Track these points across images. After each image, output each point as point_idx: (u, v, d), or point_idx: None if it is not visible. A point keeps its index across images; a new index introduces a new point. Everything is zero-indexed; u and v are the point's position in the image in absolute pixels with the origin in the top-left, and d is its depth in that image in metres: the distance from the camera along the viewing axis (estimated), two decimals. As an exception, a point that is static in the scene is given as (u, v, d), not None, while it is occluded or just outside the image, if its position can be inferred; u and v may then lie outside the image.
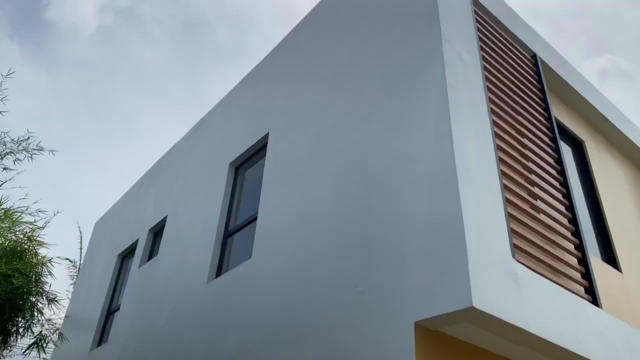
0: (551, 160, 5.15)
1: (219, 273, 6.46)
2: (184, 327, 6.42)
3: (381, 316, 3.89)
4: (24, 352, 5.87)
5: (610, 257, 5.52)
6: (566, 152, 6.09)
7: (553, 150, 5.29)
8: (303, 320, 4.60)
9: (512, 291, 3.63)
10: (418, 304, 3.64)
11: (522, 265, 3.87)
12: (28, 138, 6.92)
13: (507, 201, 4.20)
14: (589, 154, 6.30)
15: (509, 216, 4.12)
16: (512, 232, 4.06)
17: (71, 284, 13.65)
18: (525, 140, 4.94)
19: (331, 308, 4.37)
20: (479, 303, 3.31)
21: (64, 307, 11.34)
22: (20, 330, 5.81)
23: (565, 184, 5.10)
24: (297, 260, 5.03)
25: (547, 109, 5.57)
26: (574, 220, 4.87)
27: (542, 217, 4.53)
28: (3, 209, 5.76)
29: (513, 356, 4.13)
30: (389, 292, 3.91)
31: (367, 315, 4.00)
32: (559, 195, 4.94)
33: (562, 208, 4.88)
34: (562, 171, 5.17)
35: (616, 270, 5.36)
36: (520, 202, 4.36)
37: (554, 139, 5.37)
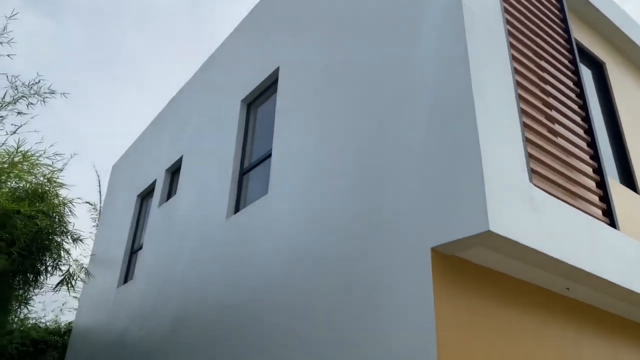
0: (570, 83, 5.01)
1: (237, 209, 6.55)
2: (205, 263, 6.60)
3: (397, 244, 3.94)
4: (54, 288, 6.12)
5: (629, 180, 5.46)
6: (586, 74, 5.91)
7: (572, 72, 5.13)
8: (320, 252, 4.68)
9: (528, 215, 3.63)
10: (434, 229, 3.67)
11: (539, 189, 3.85)
12: (39, 81, 6.89)
13: (525, 125, 4.13)
14: (609, 75, 6.10)
15: (527, 140, 4.06)
16: (530, 156, 4.02)
17: (94, 226, 14.01)
18: (543, 63, 4.79)
19: (348, 239, 4.43)
20: (495, 227, 3.32)
21: (88, 246, 11.73)
22: (49, 269, 6.03)
23: (584, 106, 4.97)
24: (313, 194, 5.06)
25: (566, 30, 5.35)
26: (592, 144, 4.79)
27: (560, 140, 4.46)
28: (21, 151, 5.83)
29: (529, 279, 4.20)
30: (405, 220, 3.94)
31: (384, 245, 4.06)
32: (578, 119, 4.84)
33: (581, 131, 4.79)
34: (581, 94, 5.04)
35: (635, 193, 5.32)
36: (538, 126, 4.28)
37: (573, 61, 5.20)
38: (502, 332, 3.85)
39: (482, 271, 3.95)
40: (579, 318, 4.57)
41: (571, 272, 3.94)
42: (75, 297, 12.65)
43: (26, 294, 6.80)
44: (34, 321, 11.67)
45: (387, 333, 3.75)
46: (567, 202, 4.13)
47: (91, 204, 14.32)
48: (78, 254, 8.80)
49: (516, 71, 4.36)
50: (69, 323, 11.76)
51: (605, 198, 4.57)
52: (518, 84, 4.31)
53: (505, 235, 3.37)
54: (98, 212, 14.14)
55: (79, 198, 7.17)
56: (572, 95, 4.93)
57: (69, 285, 6.25)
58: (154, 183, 9.59)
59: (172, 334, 6.71)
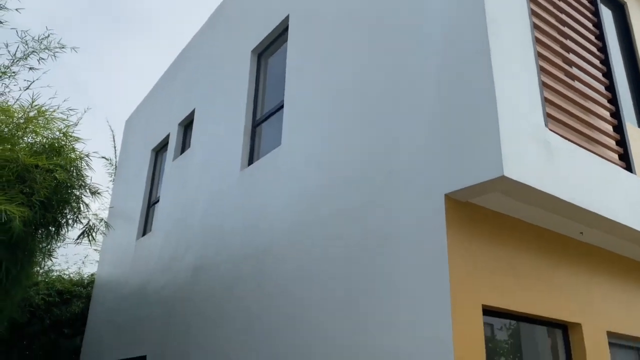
0: (589, 25, 4.86)
1: (250, 162, 6.59)
2: (220, 215, 6.71)
3: (411, 192, 3.96)
4: (76, 240, 6.30)
5: (647, 124, 5.37)
6: (606, 15, 5.71)
7: (592, 13, 4.97)
8: (334, 201, 4.73)
9: (544, 160, 3.61)
10: (448, 176, 3.68)
11: (555, 134, 3.81)
12: (48, 36, 6.86)
13: (542, 69, 4.04)
14: (630, 17, 5.89)
15: (543, 85, 3.99)
16: (546, 101, 3.96)
17: (110, 181, 14.22)
18: (561, 4, 4.64)
19: (362, 188, 4.46)
20: (510, 172, 3.32)
21: (106, 201, 11.94)
22: (70, 222, 6.17)
23: (603, 49, 4.84)
24: (326, 144, 5.06)
25: (587, -32, 5.15)
26: (611, 87, 4.69)
27: (577, 84, 4.37)
28: (36, 105, 5.87)
29: (543, 224, 4.22)
30: (419, 168, 3.94)
31: (398, 193, 4.08)
32: (596, 61, 4.72)
33: (599, 74, 4.68)
34: (600, 36, 4.90)
35: (652, 137, 5.24)
36: (555, 69, 4.19)
37: (593, 1, 5.03)
38: (516, 276, 3.90)
39: (496, 217, 3.97)
40: (591, 262, 4.62)
41: (586, 216, 3.95)
42: (96, 249, 13.02)
43: (49, 246, 7.00)
44: (58, 273, 12.06)
45: (402, 280, 3.83)
46: (583, 146, 4.09)
47: (107, 159, 14.50)
48: (97, 207, 9.00)
49: (533, 13, 4.24)
50: (92, 275, 12.14)
51: (622, 142, 4.52)
52: (535, 27, 4.19)
53: (520, 181, 3.37)
54: (114, 167, 14.31)
55: (95, 152, 7.25)
56: (591, 37, 4.79)
57: (90, 237, 6.41)
58: (167, 137, 9.64)
59: (191, 283, 6.91)
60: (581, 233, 4.41)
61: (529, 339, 4.23)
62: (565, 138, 3.95)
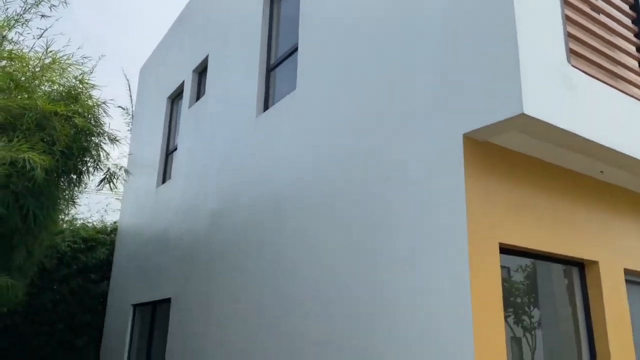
0: (618, -46, 4.62)
1: (265, 107, 6.56)
2: (237, 161, 6.75)
3: (429, 132, 3.93)
4: (97, 186, 6.42)
5: (674, 59, 5.19)
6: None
7: (621, -59, 4.71)
8: (351, 145, 4.71)
9: (565, 96, 3.53)
10: (466, 115, 3.63)
11: (578, 70, 3.71)
12: (58, -19, 6.75)
13: (565, 2, 3.88)
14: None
15: (566, 18, 3.84)
16: (569, 35, 3.82)
17: (128, 130, 14.32)
18: None
19: (378, 130, 4.43)
20: (530, 109, 3.25)
21: (125, 149, 12.08)
22: (90, 169, 6.28)
23: (631, -20, 4.62)
24: (341, 86, 5.00)
25: None
26: (638, 20, 4.50)
27: (602, 18, 4.20)
28: (51, 52, 5.87)
29: (564, 163, 4.18)
30: (436, 107, 3.89)
31: (415, 134, 4.04)
32: (624, -6, 4.52)
33: (626, 7, 4.48)
34: (629, -34, 4.66)
35: (679, 74, 5.07)
36: (579, 2, 4.02)
37: None
38: (534, 215, 3.91)
39: (514, 156, 3.94)
40: (610, 200, 4.59)
41: (607, 154, 3.90)
42: (117, 198, 13.29)
43: (72, 194, 7.16)
44: (82, 221, 12.39)
45: (419, 219, 3.86)
46: (606, 82, 3.98)
47: (123, 108, 14.55)
48: (116, 156, 9.11)
49: (559, -58, 4.03)
50: (114, 222, 12.45)
51: (647, 78, 4.38)
52: (560, -43, 4.00)
53: (541, 118, 3.31)
54: (131, 116, 14.38)
55: (111, 100, 7.26)
56: (619, -32, 4.56)
57: (111, 184, 6.52)
58: (182, 85, 9.59)
59: (211, 228, 7.06)
60: (601, 172, 4.36)
61: (544, 279, 4.28)
62: (588, 74, 3.84)
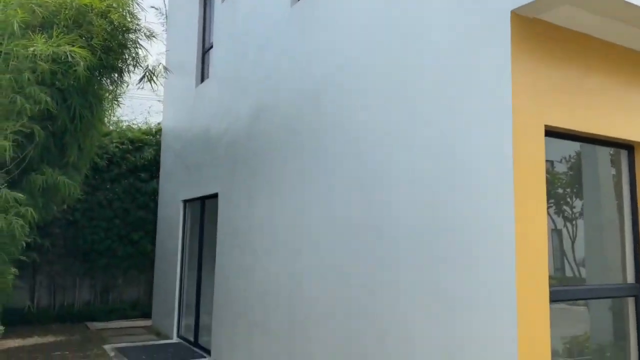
0: None
1: (301, -5, 6.32)
2: (274, 55, 6.64)
3: (476, 8, 3.72)
4: (138, 83, 6.49)
5: None
6: None
7: None
8: (395, 26, 4.53)
9: (626, -38, 3.23)
10: (516, -12, 3.39)
11: None
12: None
13: None
14: None
15: None
16: None
17: (163, 31, 14.17)
18: None
19: (423, 10, 4.21)
20: (586, -23, 3.01)
21: (162, 49, 12.02)
22: (130, 67, 6.33)
23: None
24: (381, -35, 4.72)
25: None
26: None
27: None
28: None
29: (616, 39, 3.92)
30: (483, -18, 3.64)
31: (461, 10, 3.84)
32: None
33: None
34: None
35: None
36: None
37: None
38: (582, 95, 3.75)
39: (564, 34, 3.71)
40: (668, 80, 4.33)
41: (668, 27, 3.62)
42: (159, 100, 13.49)
43: (115, 93, 7.29)
44: (127, 124, 12.74)
45: (461, 100, 3.77)
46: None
47: (156, 8, 14.32)
48: (154, 56, 9.09)
49: None
50: (158, 124, 12.74)
51: None
52: None
53: (597, -13, 3.07)
54: (164, 15, 14.16)
55: (144, -2, 7.12)
56: None
57: (152, 82, 6.58)
58: (214, -22, 9.28)
59: (251, 125, 7.13)
60: (660, 48, 4.09)
61: (589, 166, 4.19)
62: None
